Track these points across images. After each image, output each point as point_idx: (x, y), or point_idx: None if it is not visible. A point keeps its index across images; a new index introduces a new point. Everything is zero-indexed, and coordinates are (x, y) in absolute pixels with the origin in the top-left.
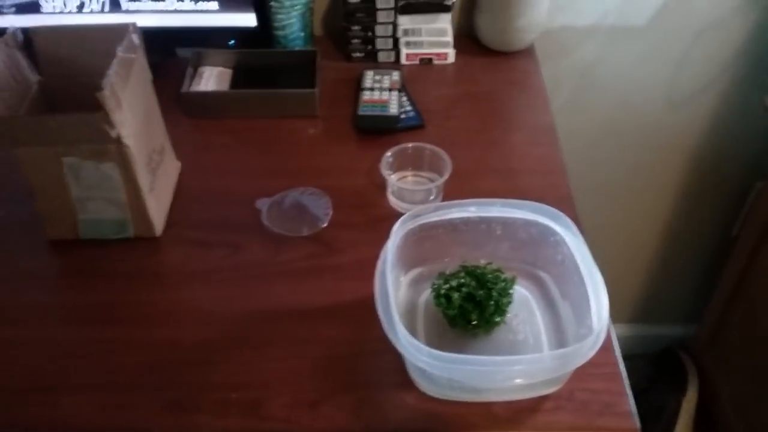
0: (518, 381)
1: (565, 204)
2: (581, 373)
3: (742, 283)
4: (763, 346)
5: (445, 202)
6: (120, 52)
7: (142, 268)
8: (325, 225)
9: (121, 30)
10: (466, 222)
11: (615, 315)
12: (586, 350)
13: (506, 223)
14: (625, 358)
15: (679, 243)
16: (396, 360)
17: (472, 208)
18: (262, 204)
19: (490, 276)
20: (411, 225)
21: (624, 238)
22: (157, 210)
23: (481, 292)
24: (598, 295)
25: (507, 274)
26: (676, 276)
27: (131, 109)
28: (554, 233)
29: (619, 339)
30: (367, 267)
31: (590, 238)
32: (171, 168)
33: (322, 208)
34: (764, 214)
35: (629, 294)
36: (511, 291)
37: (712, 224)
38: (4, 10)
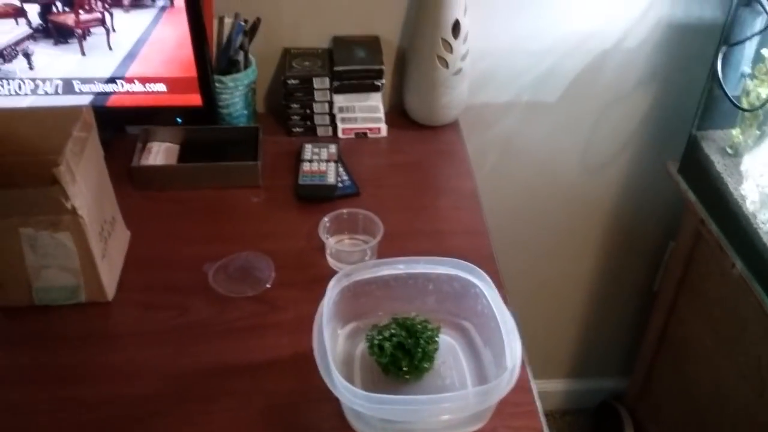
0: (445, 417)
1: (487, 262)
2: (503, 411)
3: (665, 335)
4: (688, 393)
5: (376, 260)
6: (74, 131)
7: (94, 330)
8: (269, 285)
9: (75, 111)
10: (396, 278)
11: (553, 371)
12: (503, 386)
13: (432, 278)
14: (566, 413)
15: (606, 299)
16: (333, 406)
17: (401, 266)
18: (209, 268)
19: (418, 326)
20: (346, 282)
21: (554, 297)
22: (109, 276)
23: (410, 340)
24: (510, 338)
25: (433, 324)
26: (607, 331)
27: (85, 182)
28: (474, 286)
29: (559, 394)
30: (307, 323)
31: (521, 298)
32: (122, 237)
33: (265, 270)
34: (678, 271)
35: (565, 350)
36: (437, 339)
37: (635, 280)
38: None
